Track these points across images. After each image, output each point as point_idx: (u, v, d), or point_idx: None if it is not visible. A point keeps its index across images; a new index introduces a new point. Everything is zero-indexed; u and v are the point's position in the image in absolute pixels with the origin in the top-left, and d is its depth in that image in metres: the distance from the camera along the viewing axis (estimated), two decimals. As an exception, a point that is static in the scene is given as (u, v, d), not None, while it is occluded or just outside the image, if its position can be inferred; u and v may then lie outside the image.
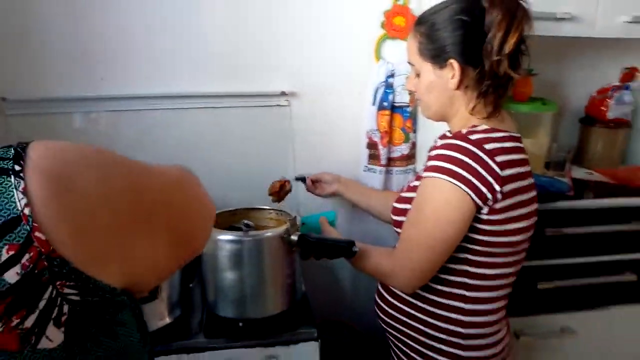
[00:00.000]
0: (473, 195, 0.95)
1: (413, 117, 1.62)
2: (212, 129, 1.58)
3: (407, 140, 1.64)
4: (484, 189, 0.95)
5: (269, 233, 1.14)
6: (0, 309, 0.41)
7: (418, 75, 1.09)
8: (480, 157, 0.95)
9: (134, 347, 0.52)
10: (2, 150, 0.46)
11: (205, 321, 1.23)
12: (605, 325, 1.56)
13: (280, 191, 1.40)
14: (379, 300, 1.20)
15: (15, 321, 0.42)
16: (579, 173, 1.71)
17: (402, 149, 1.64)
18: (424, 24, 1.06)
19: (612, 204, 1.47)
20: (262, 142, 1.61)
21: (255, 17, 1.52)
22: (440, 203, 0.98)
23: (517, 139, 1.04)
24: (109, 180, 0.50)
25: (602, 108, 1.72)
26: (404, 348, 1.15)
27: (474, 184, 0.95)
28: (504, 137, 1.00)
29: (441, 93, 1.06)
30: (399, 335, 1.15)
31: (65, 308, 0.45)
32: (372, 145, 1.64)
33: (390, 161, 1.65)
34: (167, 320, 1.16)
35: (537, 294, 1.49)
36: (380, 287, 1.21)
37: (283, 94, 1.57)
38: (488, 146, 0.97)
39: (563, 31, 1.40)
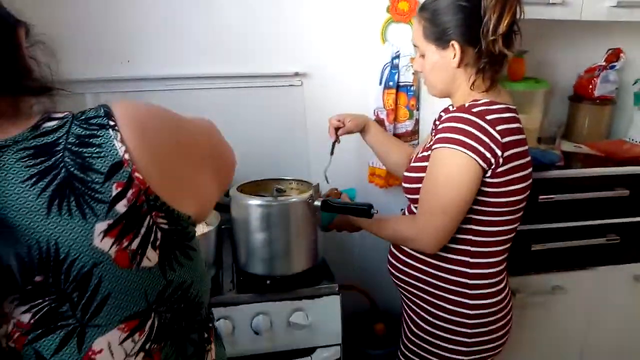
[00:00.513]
0: (479, 160, 1.08)
1: (417, 95, 1.75)
2: (229, 109, 1.67)
3: (411, 117, 1.76)
4: (488, 154, 1.08)
5: (294, 198, 1.26)
6: (115, 233, 0.53)
7: (423, 56, 1.22)
8: (483, 127, 1.08)
9: (202, 268, 0.66)
10: (94, 111, 0.58)
11: (236, 279, 1.35)
12: (592, 283, 1.72)
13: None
14: (392, 260, 1.33)
15: (125, 243, 0.54)
16: (568, 146, 1.85)
17: (406, 125, 1.77)
18: (427, 9, 1.18)
19: (598, 172, 1.61)
20: (276, 121, 1.71)
21: (270, 2, 1.61)
22: (452, 170, 1.10)
23: (514, 110, 1.17)
24: (177, 131, 0.64)
25: (589, 86, 1.86)
26: (416, 300, 1.28)
27: (479, 150, 1.07)
28: (502, 108, 1.13)
29: (444, 71, 1.19)
30: (411, 289, 1.28)
31: (159, 234, 0.57)
32: (379, 122, 1.75)
33: (396, 137, 1.77)
34: (204, 277, 1.28)
35: (531, 256, 1.63)
36: (393, 249, 1.33)
37: (296, 74, 1.68)
38: (489, 117, 1.09)
39: (554, 15, 1.53)
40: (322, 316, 1.31)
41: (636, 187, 1.62)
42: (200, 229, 1.34)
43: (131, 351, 0.57)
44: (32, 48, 0.62)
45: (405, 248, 1.28)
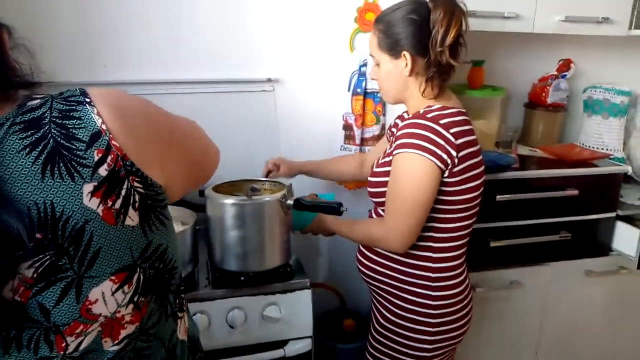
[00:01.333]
0: (437, 162, 1.17)
1: (383, 102, 1.84)
2: (203, 113, 1.65)
3: (378, 122, 1.85)
4: (444, 156, 1.17)
5: (268, 198, 1.33)
6: (100, 193, 0.60)
7: (378, 65, 1.31)
8: (438, 131, 1.17)
9: (174, 237, 0.73)
10: (70, 91, 0.65)
11: (212, 276, 1.40)
12: (547, 277, 1.83)
13: None
14: (361, 258, 1.40)
15: (110, 203, 0.61)
16: (524, 150, 1.97)
17: (373, 130, 1.86)
18: (382, 22, 1.28)
19: (550, 174, 1.73)
20: (249, 125, 1.78)
21: (245, 10, 1.68)
22: (414, 173, 1.18)
23: (465, 114, 1.26)
24: (144, 110, 0.71)
25: (542, 94, 1.99)
26: (383, 293, 1.35)
27: (436, 153, 1.16)
28: (454, 112, 1.23)
29: (397, 79, 1.28)
30: (378, 284, 1.36)
31: (137, 197, 0.64)
32: (347, 127, 1.85)
33: (363, 141, 1.86)
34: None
35: (490, 252, 1.73)
36: (361, 247, 1.41)
37: (269, 80, 1.75)
38: (443, 121, 1.19)
39: (509, 28, 1.64)
40: (295, 310, 1.38)
41: (585, 188, 1.75)
42: (177, 228, 1.39)
43: (122, 302, 0.63)
44: (14, 50, 0.67)
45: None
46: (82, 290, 0.60)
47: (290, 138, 1.82)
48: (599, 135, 1.98)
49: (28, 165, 0.58)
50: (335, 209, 1.28)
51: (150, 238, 0.66)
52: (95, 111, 0.62)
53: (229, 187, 1.44)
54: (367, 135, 1.86)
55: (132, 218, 0.63)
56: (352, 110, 1.82)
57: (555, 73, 1.99)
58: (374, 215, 1.40)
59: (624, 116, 1.94)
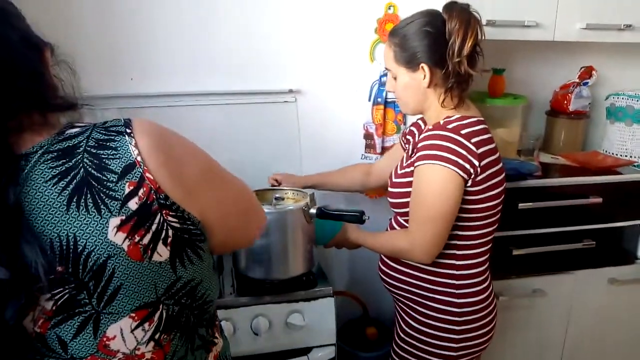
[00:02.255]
0: (460, 172, 1.18)
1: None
2: (226, 124, 1.75)
3: (398, 131, 1.87)
4: (467, 166, 1.18)
5: (291, 206, 1.35)
6: (127, 228, 0.59)
7: (395, 78, 1.32)
8: (460, 141, 1.18)
9: (210, 270, 0.71)
10: (114, 121, 0.65)
11: (236, 283, 1.43)
12: (570, 285, 1.81)
13: None
14: (383, 267, 1.41)
15: (137, 238, 0.59)
16: (546, 158, 1.96)
17: (394, 139, 1.87)
18: (397, 35, 1.28)
19: (573, 182, 1.72)
20: (271, 136, 1.80)
21: (267, 23, 1.72)
22: (438, 184, 1.19)
23: (484, 122, 1.27)
24: (189, 148, 0.70)
25: (564, 102, 1.98)
26: (407, 302, 1.36)
27: (459, 163, 1.17)
28: (474, 122, 1.23)
29: (416, 91, 1.28)
30: (402, 293, 1.37)
31: (170, 232, 0.62)
32: (368, 136, 1.86)
33: (384, 150, 1.87)
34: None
35: (512, 260, 1.73)
36: (383, 257, 1.42)
37: (290, 91, 1.78)
38: (464, 131, 1.20)
39: (529, 36, 1.65)
40: (318, 317, 1.40)
41: (609, 195, 1.73)
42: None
43: (142, 340, 0.62)
44: (56, 67, 0.68)
45: None
46: (100, 326, 0.59)
47: (312, 148, 1.84)
48: (623, 142, 1.95)
49: (54, 196, 0.57)
50: (358, 217, 1.30)
51: (180, 274, 0.64)
52: (133, 142, 0.61)
53: (253, 196, 1.47)
54: (387, 144, 1.88)
55: (161, 253, 0.62)
56: (372, 119, 1.84)
57: (577, 80, 1.97)
58: (394, 224, 1.41)
59: (648, 123, 1.92)
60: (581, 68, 2.00)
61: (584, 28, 1.68)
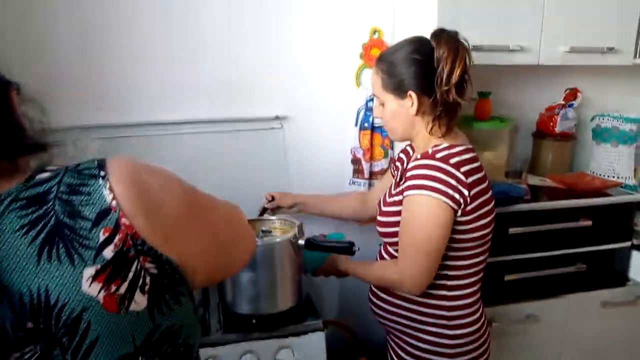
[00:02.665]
0: (450, 203, 1.15)
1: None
2: (210, 153, 1.72)
3: (386, 155, 1.85)
4: (457, 196, 1.16)
5: (279, 238, 1.31)
6: (102, 278, 0.55)
7: (382, 104, 1.30)
8: (449, 171, 1.16)
9: (190, 313, 0.67)
10: (88, 163, 0.61)
11: (223, 319, 1.38)
12: (563, 310, 1.79)
13: None
14: (373, 298, 1.38)
15: (113, 288, 0.56)
16: (534, 180, 1.95)
17: (382, 164, 1.85)
18: (385, 62, 1.26)
19: (563, 205, 1.71)
20: (258, 163, 1.77)
21: (251, 49, 1.70)
22: (427, 215, 1.16)
23: (472, 150, 1.25)
24: (167, 186, 0.65)
25: (550, 123, 1.98)
26: (398, 333, 1.33)
27: (449, 193, 1.15)
28: (462, 150, 1.21)
29: (404, 118, 1.26)
30: (393, 324, 1.33)
31: (148, 279, 0.58)
32: (356, 161, 1.84)
33: (372, 174, 1.85)
34: (192, 318, 1.31)
35: (505, 286, 1.71)
36: (373, 288, 1.39)
37: (277, 117, 1.76)
38: (452, 160, 1.18)
39: (515, 60, 1.65)
40: (308, 353, 1.35)
41: (599, 217, 1.73)
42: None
43: None
44: (22, 105, 0.63)
45: None
46: None
47: (300, 174, 1.82)
48: (609, 163, 1.96)
49: (24, 247, 0.54)
50: (348, 249, 1.27)
51: (159, 321, 0.61)
52: (108, 185, 0.58)
53: (239, 227, 1.43)
54: (375, 169, 1.86)
55: (139, 302, 0.58)
56: (360, 144, 1.82)
57: (563, 102, 1.98)
58: (384, 253, 1.38)
59: (633, 143, 1.92)
60: (566, 90, 2.02)
61: (568, 51, 1.69)
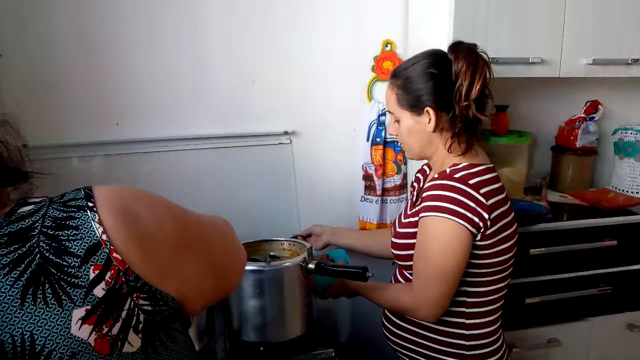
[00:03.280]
0: (468, 226, 1.08)
1: (404, 150, 1.77)
2: (219, 168, 1.67)
3: (399, 171, 1.78)
4: (476, 219, 1.08)
5: (287, 263, 1.24)
6: (93, 319, 0.51)
7: (397, 121, 1.23)
8: (468, 192, 1.09)
9: (188, 349, 0.63)
10: (73, 193, 0.56)
11: (229, 347, 1.31)
12: (587, 333, 1.71)
13: None
14: (388, 325, 1.31)
15: (105, 329, 0.51)
16: (554, 196, 1.87)
17: (394, 180, 1.78)
18: (400, 77, 1.20)
19: (586, 224, 1.62)
20: (266, 179, 1.71)
21: (260, 63, 1.64)
22: (444, 239, 1.09)
23: (492, 170, 1.18)
24: (159, 213, 0.61)
25: (571, 137, 1.90)
26: (415, 360, 1.26)
27: (467, 216, 1.08)
28: (482, 170, 1.14)
29: (421, 136, 1.19)
30: (409, 354, 1.26)
31: (142, 317, 0.54)
32: (367, 177, 1.77)
33: (384, 191, 1.78)
34: (197, 347, 1.24)
35: (525, 309, 1.62)
36: (387, 313, 1.32)
37: (285, 133, 1.70)
38: (472, 181, 1.11)
39: (534, 73, 1.57)
40: (319, 383, 1.28)
41: (624, 237, 1.64)
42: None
43: None
44: None
45: None
46: None
47: (309, 191, 1.75)
48: (633, 178, 1.87)
49: (5, 289, 0.49)
50: (361, 274, 1.20)
51: None
52: (97, 218, 0.54)
53: (246, 249, 1.36)
54: (388, 186, 1.79)
55: (133, 343, 0.54)
56: (372, 160, 1.76)
57: (583, 115, 1.90)
58: (398, 275, 1.31)
59: (659, 158, 1.84)
60: (586, 102, 1.94)
61: (590, 63, 1.61)
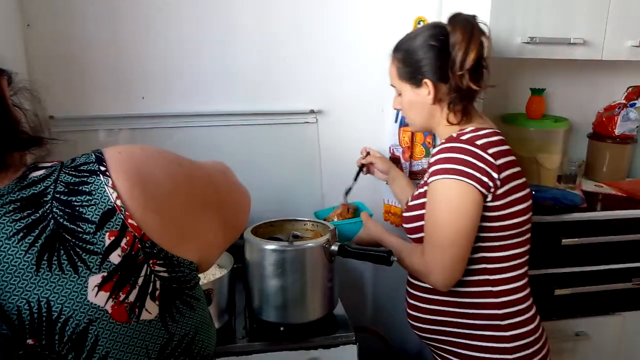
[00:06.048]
0: (478, 186, 1.05)
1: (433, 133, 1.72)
2: (244, 146, 1.66)
3: (427, 154, 1.72)
4: (485, 179, 1.05)
5: (310, 243, 1.22)
6: (110, 286, 0.50)
7: (400, 95, 1.23)
8: (475, 152, 1.06)
9: (206, 320, 0.61)
10: (84, 157, 0.55)
11: (249, 326, 1.30)
12: (616, 329, 1.65)
13: (347, 214, 1.49)
14: (411, 312, 1.26)
15: (122, 296, 0.50)
16: (589, 186, 1.80)
17: (422, 163, 1.73)
18: (400, 50, 1.21)
19: (622, 215, 1.56)
20: (291, 158, 1.70)
21: (287, 41, 1.61)
22: (453, 200, 1.07)
23: (500, 134, 1.15)
24: (172, 172, 0.59)
25: (610, 125, 1.82)
26: (447, 346, 1.21)
27: (476, 176, 1.05)
28: (489, 132, 1.12)
29: (421, 108, 1.19)
30: (440, 337, 1.21)
31: (158, 284, 0.53)
32: (394, 160, 1.73)
33: (412, 174, 1.73)
34: (217, 325, 1.23)
35: (554, 301, 1.57)
36: (409, 299, 1.27)
37: (312, 111, 1.66)
38: (479, 142, 1.08)
39: (575, 54, 1.50)
40: (339, 366, 1.26)
41: (661, 230, 1.57)
42: (212, 273, 1.31)
43: None
44: (16, 96, 0.58)
45: (422, 294, 1.23)
46: None
47: (334, 172, 1.72)
48: (674, 169, 1.79)
49: (20, 254, 0.48)
50: (385, 258, 1.16)
51: (173, 330, 0.55)
52: (110, 183, 0.52)
53: (269, 228, 1.35)
54: (415, 169, 1.74)
55: (150, 310, 0.53)
56: (399, 142, 1.71)
57: (624, 101, 1.82)
58: None
59: (703, 148, 1.75)
60: (628, 88, 1.85)
61: (635, 46, 1.52)
